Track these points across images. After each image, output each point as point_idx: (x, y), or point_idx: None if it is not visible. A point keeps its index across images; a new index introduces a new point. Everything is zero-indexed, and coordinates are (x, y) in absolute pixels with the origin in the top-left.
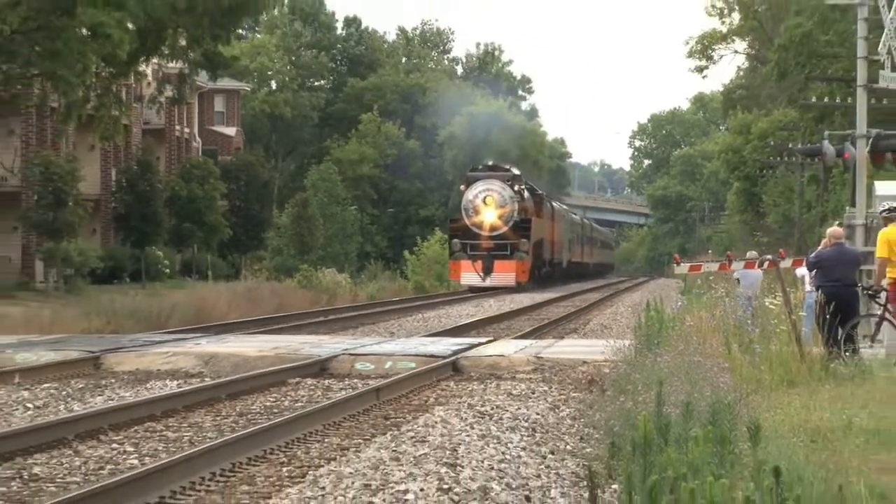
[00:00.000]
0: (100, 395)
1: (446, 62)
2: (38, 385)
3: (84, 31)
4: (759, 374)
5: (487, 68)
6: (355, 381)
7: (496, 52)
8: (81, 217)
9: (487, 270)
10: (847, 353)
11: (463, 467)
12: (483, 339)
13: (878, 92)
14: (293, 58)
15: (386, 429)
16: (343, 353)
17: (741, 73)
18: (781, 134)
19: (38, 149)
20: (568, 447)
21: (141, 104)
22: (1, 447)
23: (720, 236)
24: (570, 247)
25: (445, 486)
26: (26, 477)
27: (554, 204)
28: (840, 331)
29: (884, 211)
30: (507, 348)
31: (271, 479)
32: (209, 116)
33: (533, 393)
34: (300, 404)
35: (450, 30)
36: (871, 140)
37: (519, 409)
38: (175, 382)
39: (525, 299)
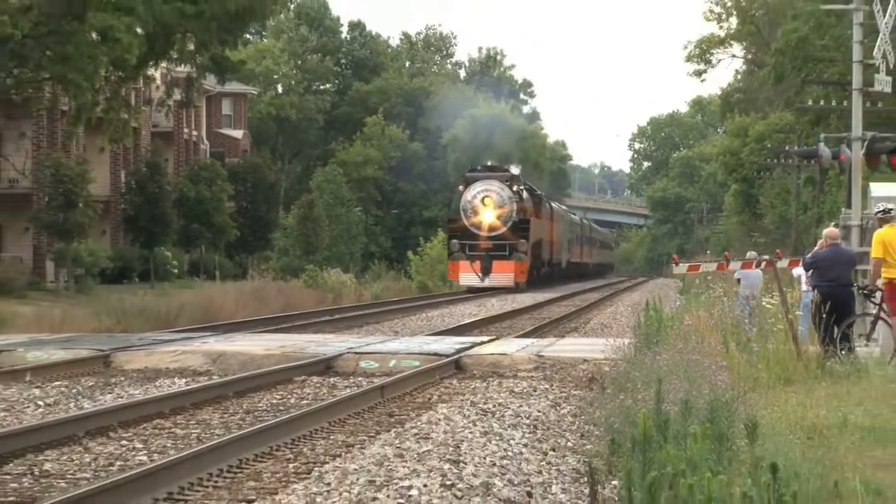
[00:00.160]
0: (109, 393)
1: (449, 66)
2: (48, 383)
3: (94, 35)
4: (756, 373)
5: (489, 72)
6: (360, 379)
7: (498, 57)
8: (91, 218)
9: (486, 271)
10: (843, 352)
11: (466, 464)
12: (485, 338)
13: (873, 95)
14: (299, 62)
15: (390, 426)
16: (348, 352)
17: (739, 76)
18: (778, 136)
19: (48, 151)
20: (569, 444)
21: (150, 107)
22: (13, 444)
23: (718, 237)
24: (569, 247)
25: (449, 483)
26: (37, 473)
27: (553, 204)
28: (836, 330)
29: (878, 212)
30: (509, 347)
31: (277, 476)
32: (217, 119)
33: (534, 391)
34: (306, 402)
35: (452, 34)
36: (866, 142)
37: (521, 406)
38: (183, 380)
39: (526, 299)
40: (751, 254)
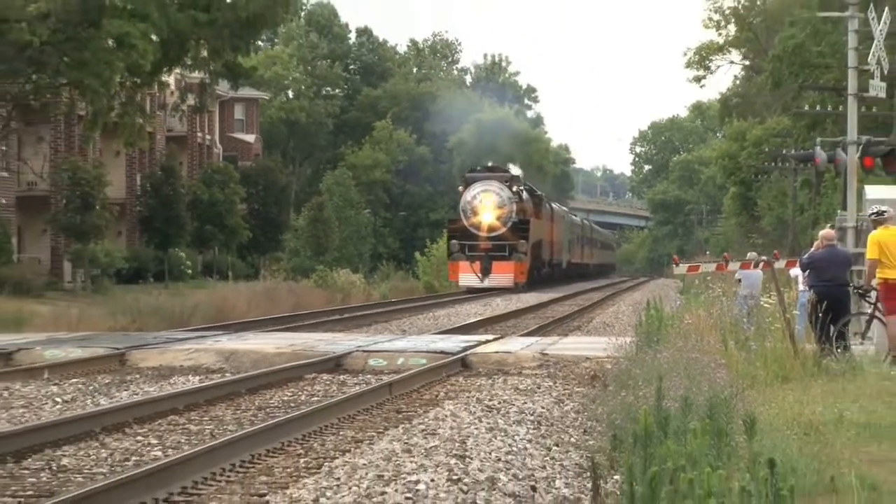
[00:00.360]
0: (125, 390)
1: (455, 72)
2: (66, 380)
3: (110, 42)
4: (754, 370)
5: (495, 78)
6: (369, 376)
7: (503, 63)
8: (108, 220)
9: (486, 271)
10: (838, 350)
11: (472, 459)
12: (490, 337)
13: (867, 100)
14: (309, 67)
15: (398, 422)
16: (357, 350)
17: (737, 82)
18: (775, 140)
19: (66, 155)
20: (572, 439)
21: (164, 112)
22: (31, 439)
23: (717, 238)
24: (570, 248)
25: (455, 477)
26: (55, 468)
27: (553, 205)
28: (832, 328)
29: (872, 214)
30: (514, 345)
31: (289, 470)
32: (229, 124)
33: (538, 388)
34: (316, 399)
35: (457, 41)
36: (861, 146)
37: (525, 403)
38: (197, 378)
39: (530, 298)
40: (751, 254)
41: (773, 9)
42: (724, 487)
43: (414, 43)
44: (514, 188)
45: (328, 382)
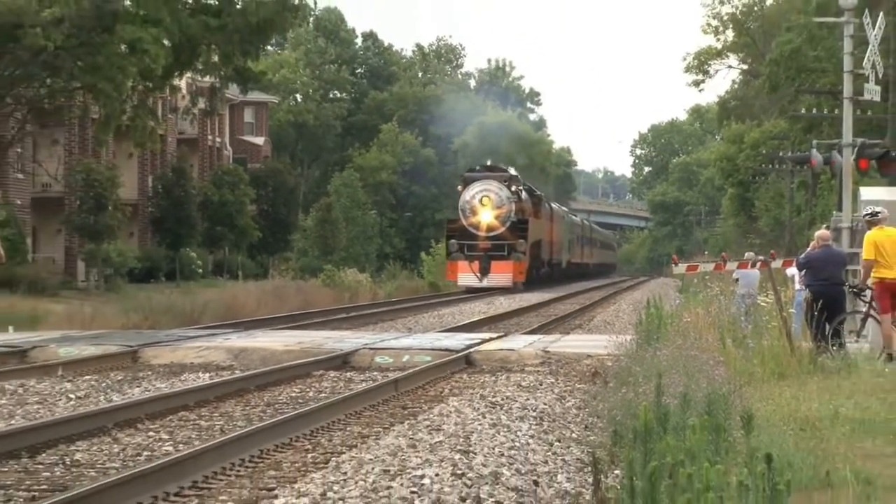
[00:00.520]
0: (137, 387)
1: (459, 76)
2: (79, 377)
3: (123, 47)
4: (751, 368)
5: (498, 82)
6: (375, 373)
7: (507, 68)
8: (120, 220)
9: (484, 271)
10: (834, 348)
11: (475, 454)
12: (494, 335)
13: (862, 104)
14: (317, 71)
15: (404, 418)
16: (364, 348)
17: (735, 86)
18: (773, 143)
19: (80, 157)
20: (573, 435)
21: (176, 115)
22: (45, 435)
23: (716, 238)
24: (569, 247)
25: (459, 472)
26: (69, 463)
27: (553, 205)
28: (827, 327)
29: (867, 215)
30: (517, 343)
31: (297, 465)
32: (239, 127)
33: (541, 384)
34: (324, 395)
35: (461, 46)
36: (856, 149)
37: (528, 399)
38: (207, 375)
39: (533, 297)
40: (749, 254)
41: (771, 14)
42: (722, 482)
43: (420, 48)
44: (513, 188)
45: (335, 379)
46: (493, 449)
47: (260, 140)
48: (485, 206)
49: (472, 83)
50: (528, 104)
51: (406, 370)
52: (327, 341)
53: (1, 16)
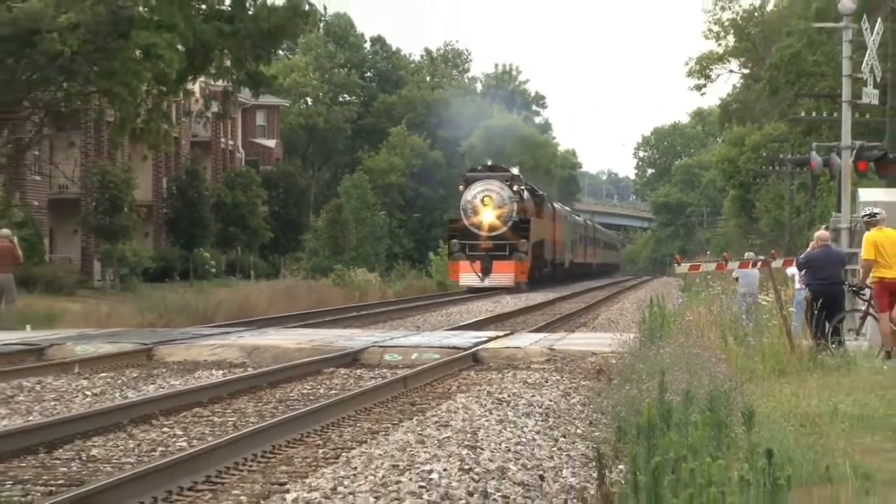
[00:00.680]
0: (152, 384)
1: (466, 81)
2: (95, 374)
3: (138, 52)
4: (752, 365)
5: (505, 86)
6: (384, 370)
7: (513, 72)
8: (135, 221)
9: (486, 271)
10: (833, 346)
11: (482, 449)
12: (501, 333)
13: (861, 107)
14: (327, 75)
15: (412, 414)
16: (373, 346)
17: (736, 90)
18: (773, 146)
19: (96, 159)
20: (578, 431)
21: (189, 119)
22: (62, 431)
23: (717, 239)
24: (572, 247)
25: (466, 467)
26: (85, 458)
27: (555, 205)
28: (827, 325)
29: (865, 216)
30: (523, 341)
31: (308, 460)
32: (251, 130)
33: (546, 382)
34: (334, 392)
35: (467, 51)
36: (855, 151)
37: (533, 396)
38: (220, 372)
39: (538, 296)
40: (749, 254)
41: (771, 20)
42: (723, 477)
43: (428, 52)
44: (515, 187)
45: (346, 376)
46: (500, 444)
47: (271, 143)
48: (486, 205)
49: (479, 87)
50: (534, 107)
51: (415, 367)
52: (338, 339)
53: (18, 21)
